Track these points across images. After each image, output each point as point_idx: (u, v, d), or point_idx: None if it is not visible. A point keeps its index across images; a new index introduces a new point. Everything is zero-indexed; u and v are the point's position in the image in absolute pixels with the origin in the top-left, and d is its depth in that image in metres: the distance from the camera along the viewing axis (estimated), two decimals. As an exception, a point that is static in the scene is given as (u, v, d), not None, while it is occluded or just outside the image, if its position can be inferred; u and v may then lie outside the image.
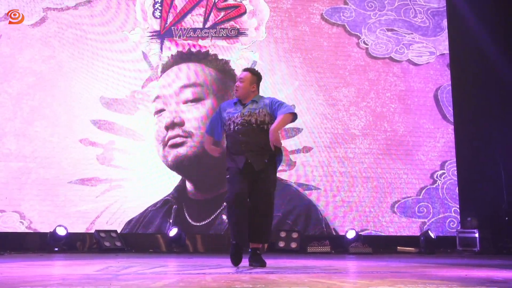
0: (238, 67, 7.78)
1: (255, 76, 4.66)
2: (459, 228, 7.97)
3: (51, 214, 7.31)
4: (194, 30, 7.97)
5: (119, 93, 7.72)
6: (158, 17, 7.93)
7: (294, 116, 4.46)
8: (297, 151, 7.95)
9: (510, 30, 8.45)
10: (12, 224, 7.23)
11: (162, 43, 7.88)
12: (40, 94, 7.55)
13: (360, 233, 7.69)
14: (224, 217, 7.41)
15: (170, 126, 7.62)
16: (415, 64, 8.39)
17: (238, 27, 8.05)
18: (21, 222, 7.25)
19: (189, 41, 7.93)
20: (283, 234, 7.55)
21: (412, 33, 8.45)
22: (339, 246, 7.55)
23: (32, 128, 7.47)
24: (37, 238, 7.26)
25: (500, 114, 8.41)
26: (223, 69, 7.88)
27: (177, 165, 7.63)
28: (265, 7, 8.15)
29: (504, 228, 7.79)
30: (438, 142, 8.26)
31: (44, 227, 7.22)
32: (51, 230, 7.00)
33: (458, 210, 8.11)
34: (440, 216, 8.09)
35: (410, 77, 8.36)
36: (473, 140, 8.36)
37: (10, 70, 7.54)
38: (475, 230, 7.55)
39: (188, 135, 7.62)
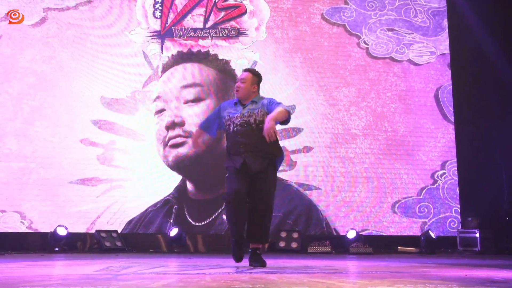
0: (238, 67, 7.78)
1: (256, 77, 4.66)
2: (459, 228, 7.97)
3: (52, 214, 7.31)
4: (195, 30, 7.97)
5: (120, 93, 7.72)
6: (159, 17, 7.93)
7: (289, 114, 4.43)
8: (298, 151, 7.95)
9: (510, 30, 8.45)
10: (13, 224, 7.23)
11: (162, 43, 7.88)
12: (40, 94, 7.55)
13: (360, 233, 7.69)
14: (225, 217, 7.40)
15: (171, 126, 7.62)
16: (416, 64, 8.39)
17: (239, 27, 8.05)
18: (21, 222, 7.25)
19: (190, 41, 7.93)
20: (283, 234, 7.55)
21: (412, 33, 8.44)
22: (340, 246, 7.54)
23: (32, 128, 7.47)
24: (37, 238, 7.26)
25: (500, 114, 8.41)
26: (223, 69, 7.88)
27: (177, 165, 7.63)
28: (265, 7, 8.15)
29: (505, 228, 7.79)
30: (438, 142, 8.26)
31: (44, 227, 7.22)
32: (52, 230, 7.00)
33: (459, 210, 8.11)
34: (440, 216, 8.08)
35: (411, 77, 8.36)
36: (474, 140, 8.36)
37: (11, 70, 7.54)
38: (476, 230, 7.55)
39: (189, 135, 7.62)
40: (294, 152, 7.93)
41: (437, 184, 8.14)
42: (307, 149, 7.98)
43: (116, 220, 7.45)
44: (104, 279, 3.26)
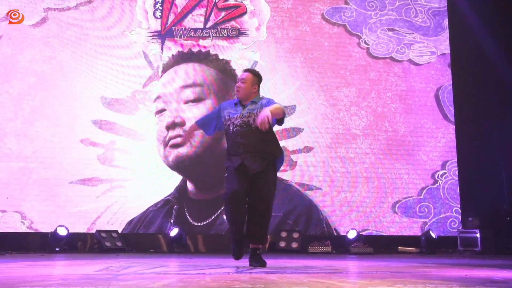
0: (239, 67, 7.78)
1: (256, 77, 4.66)
2: (460, 228, 7.96)
3: (52, 214, 7.31)
4: (195, 30, 7.97)
5: (120, 93, 7.72)
6: (159, 17, 7.93)
7: (284, 115, 4.43)
8: (298, 151, 7.95)
9: (511, 30, 8.44)
10: (13, 224, 7.24)
11: (163, 43, 7.88)
12: (41, 94, 7.55)
13: (361, 233, 7.68)
14: (225, 217, 7.40)
15: (171, 126, 7.62)
16: (416, 64, 8.38)
17: (239, 27, 8.05)
18: (22, 222, 7.26)
19: (190, 41, 7.93)
20: (284, 234, 7.54)
21: (413, 33, 8.44)
22: (340, 246, 7.54)
23: (33, 128, 7.47)
24: (38, 238, 7.26)
25: (501, 114, 8.40)
26: (223, 69, 7.88)
27: (178, 165, 7.63)
28: (265, 7, 8.15)
29: (506, 228, 7.78)
30: (439, 142, 8.25)
31: (45, 227, 7.22)
32: (52, 230, 7.00)
33: (459, 210, 8.10)
34: (441, 216, 8.08)
35: (411, 77, 8.35)
36: (474, 140, 8.35)
37: (11, 70, 7.54)
38: (476, 230, 7.54)
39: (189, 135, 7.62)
40: (294, 152, 7.93)
41: (438, 184, 8.14)
42: (308, 149, 7.97)
43: (117, 220, 7.46)
44: (104, 279, 3.26)
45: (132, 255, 6.60)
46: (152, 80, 7.80)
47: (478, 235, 7.48)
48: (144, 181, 7.61)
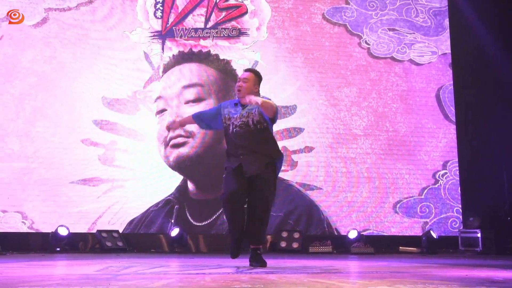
0: (239, 67, 7.78)
1: (257, 77, 4.67)
2: (461, 228, 7.96)
3: (53, 214, 7.32)
4: (196, 30, 7.97)
5: (121, 93, 7.72)
6: (160, 17, 7.93)
7: (274, 114, 4.43)
8: (299, 151, 7.94)
9: (512, 30, 8.44)
10: (14, 224, 7.24)
11: (163, 43, 7.89)
12: (42, 95, 7.56)
13: (362, 233, 7.68)
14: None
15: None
16: (417, 64, 8.38)
17: (240, 27, 8.05)
18: (23, 222, 7.26)
19: (191, 41, 7.93)
20: (285, 234, 7.54)
21: (414, 33, 8.43)
22: (341, 246, 7.54)
23: (34, 128, 7.48)
24: (39, 238, 7.26)
25: (502, 114, 8.39)
26: (224, 69, 7.88)
27: (178, 165, 7.63)
28: (266, 7, 8.14)
29: (507, 228, 7.77)
30: (440, 142, 8.25)
31: (46, 227, 7.23)
32: (53, 230, 7.01)
33: (460, 210, 8.10)
34: (442, 216, 8.07)
35: (412, 77, 8.35)
36: (475, 140, 8.35)
37: (12, 70, 7.55)
38: (477, 230, 7.53)
39: (190, 135, 7.63)
40: (295, 152, 7.93)
41: (439, 184, 8.13)
42: (309, 149, 7.97)
43: (118, 220, 7.46)
44: (104, 279, 3.27)
45: (133, 255, 6.61)
46: (153, 80, 7.80)
47: (479, 235, 7.47)
48: (145, 181, 7.61)
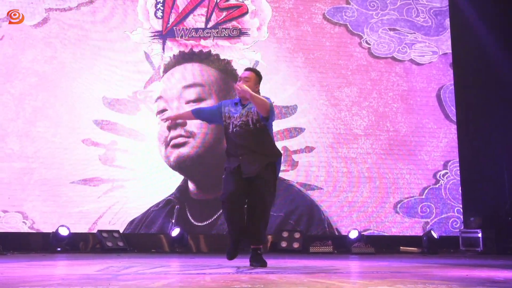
0: (240, 67, 7.77)
1: (258, 77, 4.68)
2: (462, 228, 7.95)
3: (54, 214, 7.32)
4: (196, 30, 7.97)
5: (121, 93, 7.72)
6: (160, 17, 7.93)
7: (267, 112, 4.41)
8: (300, 151, 7.94)
9: (513, 29, 8.43)
10: (15, 224, 7.24)
11: (164, 43, 7.88)
12: (42, 95, 7.56)
13: (362, 233, 7.67)
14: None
15: (172, 126, 7.61)
16: (418, 64, 8.37)
17: (240, 27, 8.05)
18: (24, 222, 7.26)
19: (191, 41, 7.93)
20: (285, 234, 7.54)
21: (414, 33, 8.43)
22: (342, 246, 7.54)
23: (34, 128, 7.48)
24: (39, 238, 7.27)
25: (502, 113, 8.38)
26: (225, 69, 7.88)
27: (179, 165, 7.63)
28: (267, 7, 8.14)
29: (508, 228, 7.76)
30: (440, 142, 8.24)
31: (46, 227, 7.23)
32: (54, 230, 7.01)
33: (461, 210, 8.09)
34: (443, 216, 8.07)
35: (413, 77, 8.34)
36: (476, 140, 8.34)
37: (13, 70, 7.55)
38: (478, 230, 7.53)
39: (190, 135, 7.63)
40: (296, 152, 7.92)
41: (439, 184, 8.12)
42: (309, 149, 7.97)
43: (118, 220, 7.46)
44: (104, 279, 3.27)
45: (134, 255, 6.61)
46: (154, 80, 7.80)
47: (480, 235, 7.47)
48: (146, 181, 7.61)
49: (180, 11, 7.96)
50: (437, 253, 7.30)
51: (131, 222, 7.49)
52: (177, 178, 7.64)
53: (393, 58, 8.33)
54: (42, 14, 7.68)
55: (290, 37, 8.16)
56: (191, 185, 7.67)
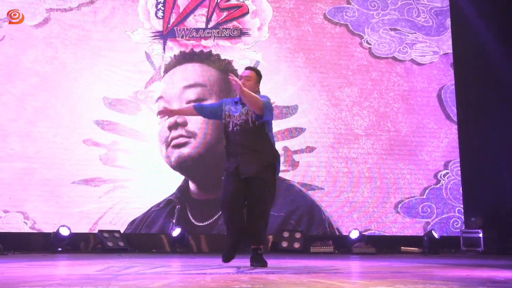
0: (240, 67, 7.75)
1: (259, 76, 4.72)
2: (463, 228, 7.94)
3: (55, 214, 7.32)
4: (197, 30, 7.97)
5: (122, 93, 7.72)
6: (161, 17, 7.93)
7: (260, 109, 4.40)
8: (300, 151, 7.94)
9: (513, 29, 8.42)
10: (16, 225, 7.25)
11: (164, 43, 7.89)
12: (43, 95, 7.56)
13: (363, 233, 7.67)
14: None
15: (173, 126, 7.62)
16: (419, 64, 8.37)
17: (241, 27, 8.05)
18: (25, 222, 7.27)
19: (192, 41, 7.94)
20: (286, 234, 7.54)
21: (415, 33, 8.42)
22: (343, 246, 7.54)
23: (35, 128, 7.48)
24: (41, 238, 7.27)
25: (503, 113, 8.37)
26: (225, 69, 7.87)
27: (180, 165, 7.63)
28: (267, 7, 8.14)
29: (509, 228, 7.76)
30: (441, 142, 8.23)
31: (47, 227, 7.23)
32: (55, 230, 7.01)
33: (462, 210, 8.09)
34: (444, 216, 8.06)
35: (414, 77, 8.34)
36: (477, 140, 8.33)
37: (14, 70, 7.55)
38: (479, 230, 7.52)
39: (191, 135, 7.63)
40: (296, 152, 7.92)
41: (440, 184, 8.12)
42: (310, 149, 7.97)
43: (119, 220, 7.46)
44: (104, 279, 3.27)
45: (135, 255, 6.61)
46: (154, 81, 7.81)
47: (481, 235, 7.46)
48: (146, 181, 7.61)
49: (180, 11, 7.96)
50: (438, 253, 7.30)
51: (132, 222, 7.49)
52: (178, 178, 7.64)
53: (394, 58, 8.33)
54: (43, 15, 7.68)
55: (290, 37, 8.16)
56: (192, 185, 7.67)
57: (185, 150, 7.64)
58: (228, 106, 4.63)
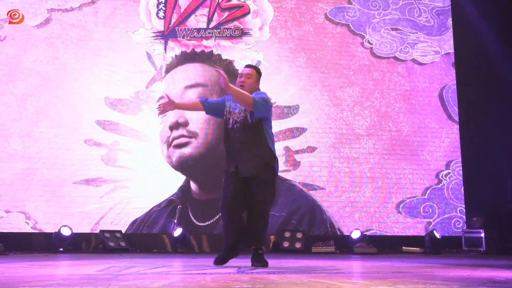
0: (242, 67, 7.72)
1: (259, 74, 4.75)
2: (464, 228, 7.93)
3: (56, 215, 7.33)
4: (198, 30, 7.97)
5: (123, 93, 7.72)
6: (162, 17, 7.93)
7: (251, 101, 4.38)
8: (302, 151, 7.93)
9: (515, 29, 8.40)
10: (18, 225, 7.25)
11: (166, 44, 7.89)
12: (44, 95, 7.56)
13: (365, 233, 7.66)
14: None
15: (174, 126, 7.62)
16: (420, 64, 8.36)
17: (242, 27, 8.05)
18: (26, 222, 7.27)
19: (193, 41, 7.93)
20: (287, 234, 7.53)
21: (416, 32, 8.41)
22: (344, 246, 7.53)
23: (37, 129, 7.49)
24: (42, 238, 7.27)
25: (505, 113, 8.36)
26: (227, 69, 7.85)
27: (181, 165, 7.63)
28: (268, 7, 8.14)
29: (510, 228, 7.74)
30: (443, 142, 8.22)
31: (49, 228, 7.23)
32: (56, 231, 7.01)
33: (464, 210, 8.08)
34: (445, 216, 8.05)
35: (415, 77, 8.33)
36: (479, 140, 8.32)
37: (15, 71, 7.56)
38: (481, 230, 7.51)
39: (192, 135, 7.63)
40: (298, 152, 7.92)
41: (442, 184, 8.11)
42: (311, 149, 7.96)
43: (120, 220, 7.46)
44: (105, 279, 3.27)
45: (136, 255, 6.61)
46: (156, 81, 7.81)
47: (482, 235, 7.45)
48: (148, 181, 7.61)
49: (182, 11, 7.96)
50: (440, 253, 7.29)
51: (133, 222, 7.49)
52: (179, 178, 7.64)
53: (395, 58, 8.32)
54: (44, 15, 7.69)
55: (292, 37, 8.15)
56: (193, 185, 7.67)
57: (186, 150, 7.64)
58: (229, 103, 4.65)
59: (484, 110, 8.34)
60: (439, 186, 8.10)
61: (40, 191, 7.36)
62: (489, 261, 5.71)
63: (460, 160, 8.17)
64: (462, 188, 8.12)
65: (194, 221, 7.59)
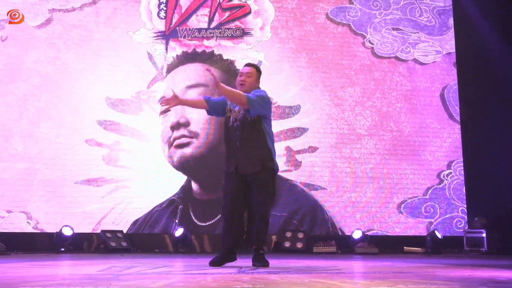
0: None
1: (259, 73, 4.76)
2: (466, 228, 7.92)
3: (58, 215, 7.33)
4: (199, 30, 7.97)
5: (125, 93, 7.73)
6: (163, 17, 7.93)
7: (245, 100, 4.37)
8: (303, 151, 7.93)
9: (516, 29, 8.39)
10: (19, 225, 7.26)
11: (167, 44, 7.89)
12: (46, 95, 7.57)
13: (366, 233, 7.65)
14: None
15: (176, 126, 7.62)
16: (421, 63, 8.35)
17: (243, 27, 8.05)
18: (28, 222, 7.28)
19: (194, 41, 7.94)
20: (289, 234, 7.53)
21: (418, 32, 8.41)
22: (345, 246, 7.52)
23: (38, 129, 7.50)
24: (43, 238, 7.28)
25: (507, 113, 8.34)
26: (228, 69, 7.87)
27: (182, 166, 7.64)
28: (270, 7, 8.14)
29: (510, 228, 7.73)
30: (444, 142, 8.21)
31: (50, 228, 7.24)
32: (58, 230, 7.02)
33: (465, 210, 8.07)
34: (447, 216, 8.04)
35: (416, 77, 8.32)
36: (480, 140, 8.30)
37: (17, 71, 7.57)
38: (483, 230, 7.50)
39: (194, 135, 7.63)
40: (299, 152, 7.91)
41: (443, 184, 8.10)
42: (313, 149, 7.96)
43: (122, 220, 7.47)
44: (105, 279, 3.27)
45: (137, 255, 6.61)
46: (157, 81, 7.81)
47: (484, 235, 7.44)
48: (149, 181, 7.62)
49: (183, 12, 7.97)
50: (441, 253, 7.28)
51: (135, 222, 7.49)
52: (180, 178, 7.65)
53: (397, 58, 8.31)
54: (45, 15, 7.70)
55: (293, 37, 8.15)
56: (194, 185, 7.67)
57: (188, 150, 7.65)
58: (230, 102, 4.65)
59: (486, 109, 8.33)
60: (441, 186, 8.09)
61: (42, 191, 7.37)
62: (491, 261, 5.70)
63: (462, 160, 8.16)
64: (464, 188, 8.11)
65: (196, 221, 7.59)
